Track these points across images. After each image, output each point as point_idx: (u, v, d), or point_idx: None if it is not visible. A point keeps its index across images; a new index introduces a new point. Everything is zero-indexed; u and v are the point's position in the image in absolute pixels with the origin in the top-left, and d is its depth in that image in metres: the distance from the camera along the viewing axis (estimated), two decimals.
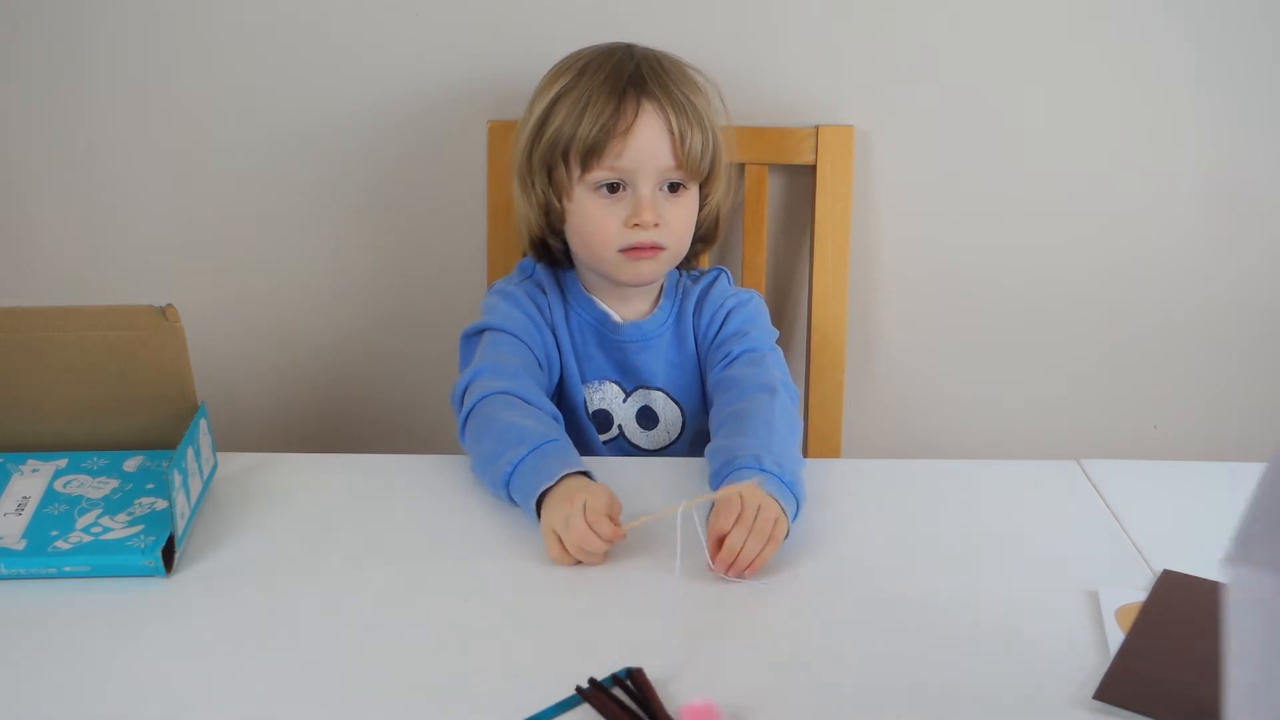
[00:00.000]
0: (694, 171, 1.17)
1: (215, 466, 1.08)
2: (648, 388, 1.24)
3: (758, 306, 1.25)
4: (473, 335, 1.20)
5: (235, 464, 1.10)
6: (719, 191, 1.23)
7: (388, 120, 1.45)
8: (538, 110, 1.18)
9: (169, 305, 1.03)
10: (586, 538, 0.95)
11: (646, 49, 1.19)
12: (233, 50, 1.42)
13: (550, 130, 1.16)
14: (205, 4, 1.40)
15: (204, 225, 1.49)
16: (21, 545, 0.96)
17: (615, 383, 1.25)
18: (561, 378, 1.23)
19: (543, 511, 0.98)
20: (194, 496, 1.01)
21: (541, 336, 1.20)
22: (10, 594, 0.94)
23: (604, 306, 1.23)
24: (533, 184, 1.19)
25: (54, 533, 0.97)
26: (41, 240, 1.50)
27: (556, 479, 0.98)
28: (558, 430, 1.06)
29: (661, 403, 1.25)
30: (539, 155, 1.17)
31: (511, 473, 1.01)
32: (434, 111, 1.44)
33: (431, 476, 1.10)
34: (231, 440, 1.12)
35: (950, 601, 0.94)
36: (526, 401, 1.08)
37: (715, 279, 1.27)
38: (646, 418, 1.25)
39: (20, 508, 1.00)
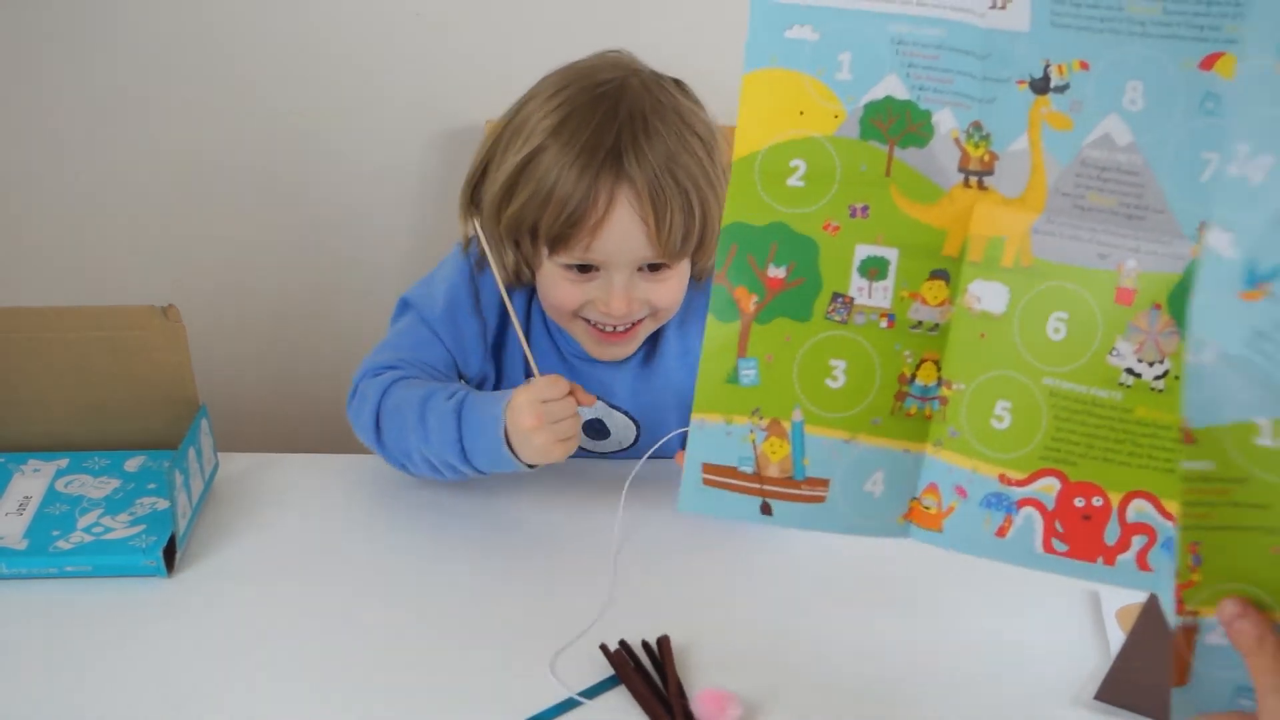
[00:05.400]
0: (675, 255, 1.01)
1: (216, 466, 1.08)
2: (607, 404, 1.13)
3: None
4: (401, 309, 1.12)
5: (236, 464, 1.10)
6: (713, 252, 1.10)
7: (388, 120, 1.45)
8: (506, 168, 1.01)
9: (170, 305, 1.03)
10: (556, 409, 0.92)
11: (641, 87, 1.01)
12: (233, 50, 1.42)
13: (514, 206, 1.00)
14: (206, 4, 1.40)
15: (204, 225, 1.49)
16: (23, 545, 0.96)
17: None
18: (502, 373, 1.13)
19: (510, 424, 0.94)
20: (195, 496, 1.01)
21: (464, 327, 1.09)
22: (11, 594, 0.94)
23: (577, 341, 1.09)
24: (500, 240, 1.05)
25: (55, 532, 0.97)
26: (42, 240, 1.50)
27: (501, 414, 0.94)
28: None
29: (618, 420, 1.14)
30: (505, 224, 1.02)
31: (461, 440, 0.96)
32: (434, 111, 1.44)
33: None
34: (232, 440, 1.12)
35: (952, 601, 0.94)
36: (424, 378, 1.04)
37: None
38: (595, 429, 1.14)
39: (22, 508, 1.01)
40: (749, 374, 0.75)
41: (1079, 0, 0.67)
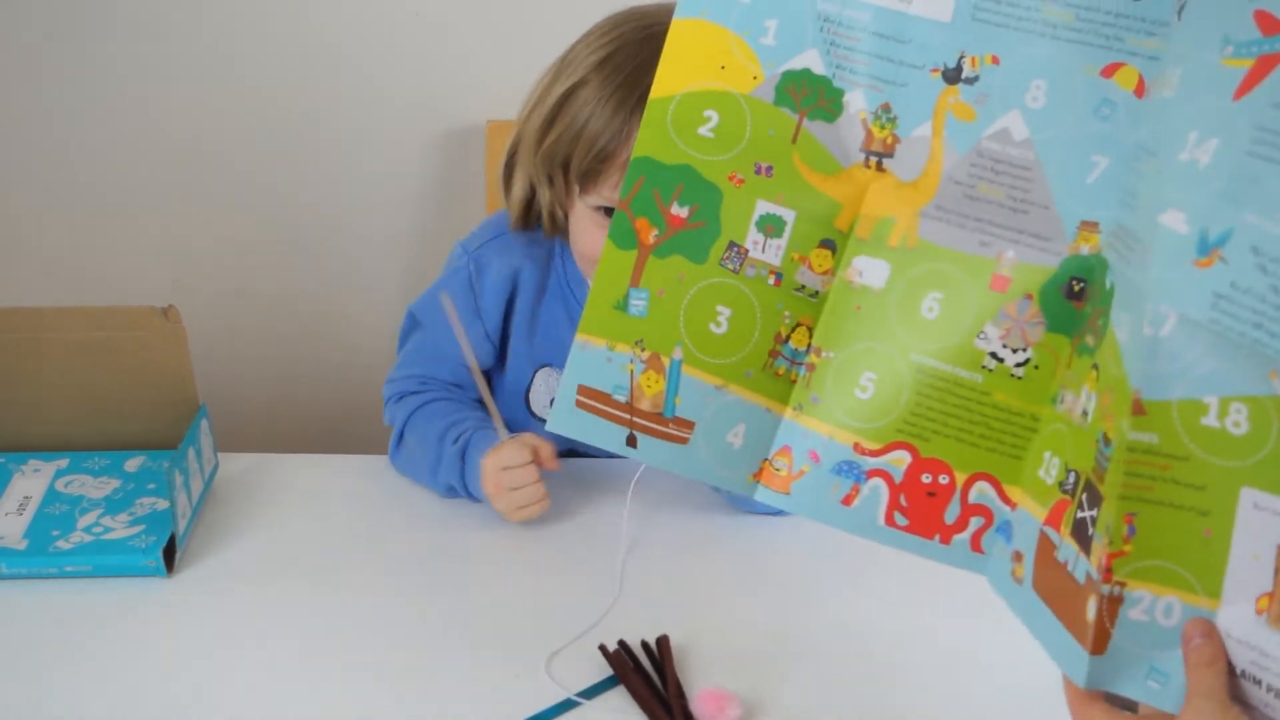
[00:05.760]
0: None
1: (216, 466, 1.08)
2: None
3: None
4: (412, 323, 1.15)
5: (236, 464, 1.10)
6: None
7: (388, 120, 1.45)
8: (549, 102, 1.02)
9: (170, 305, 1.03)
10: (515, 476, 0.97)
11: None
12: (233, 50, 1.42)
13: (550, 139, 1.01)
14: (206, 4, 1.40)
15: (204, 225, 1.50)
16: (23, 545, 0.96)
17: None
18: (503, 379, 1.14)
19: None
20: (195, 496, 1.02)
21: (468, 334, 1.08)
22: (11, 594, 0.94)
23: None
24: (538, 177, 1.05)
25: (55, 532, 0.97)
26: (42, 241, 1.51)
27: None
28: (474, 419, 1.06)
29: None
30: (541, 158, 1.03)
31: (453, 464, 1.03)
32: (434, 111, 1.44)
33: None
34: (232, 440, 1.12)
35: (950, 601, 0.94)
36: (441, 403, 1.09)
37: None
38: None
39: (22, 508, 1.01)
40: (639, 304, 0.77)
41: None
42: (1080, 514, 0.67)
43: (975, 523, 0.74)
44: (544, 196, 1.06)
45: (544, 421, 1.10)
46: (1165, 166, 0.63)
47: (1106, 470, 0.64)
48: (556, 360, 1.11)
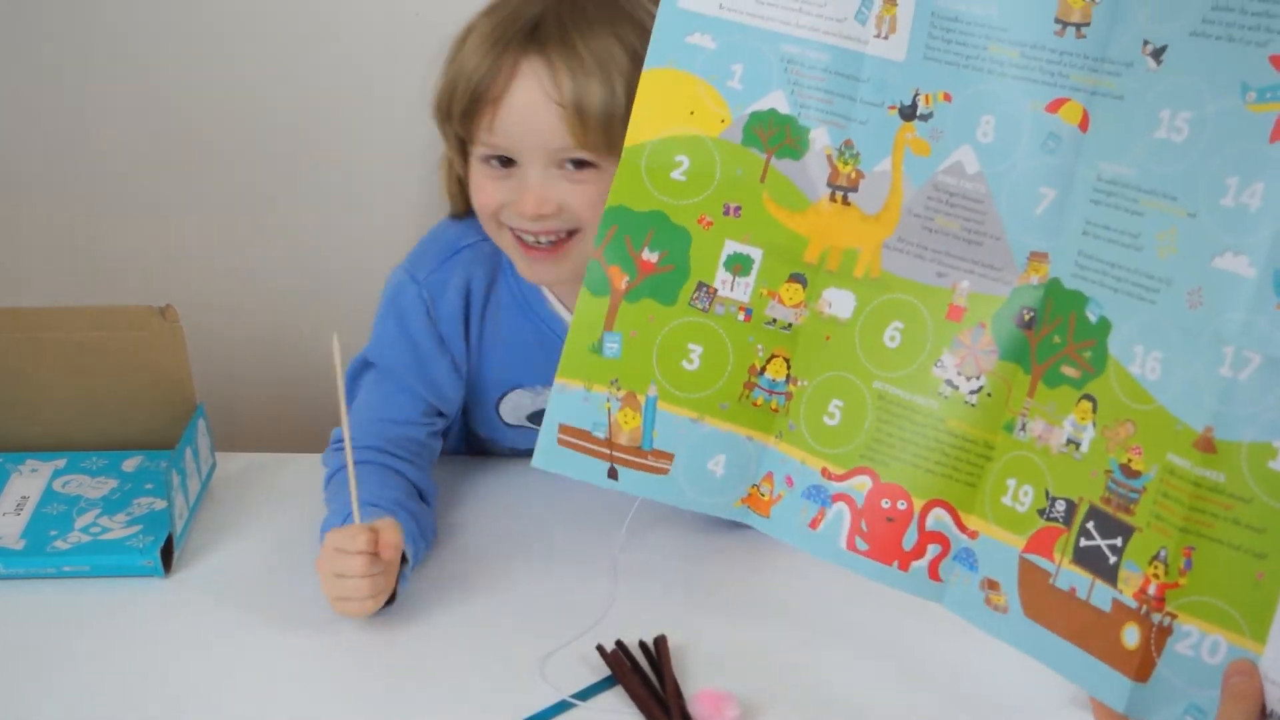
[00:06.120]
0: (595, 147, 0.91)
1: (214, 466, 1.08)
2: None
3: None
4: (360, 369, 1.07)
5: (234, 464, 1.10)
6: None
7: (388, 120, 1.45)
8: (451, 52, 0.97)
9: (168, 305, 1.03)
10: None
11: None
12: (233, 50, 1.42)
13: (442, 92, 0.96)
14: (206, 3, 1.40)
15: (202, 225, 1.49)
16: (20, 545, 0.96)
17: (535, 388, 1.07)
18: (472, 392, 1.08)
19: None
20: (192, 497, 1.01)
21: (434, 370, 1.04)
22: (9, 594, 0.94)
23: (554, 305, 1.04)
24: (448, 143, 1.00)
25: (53, 532, 0.97)
26: (41, 240, 1.50)
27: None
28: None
29: None
30: (438, 117, 0.98)
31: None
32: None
33: (442, 472, 1.10)
34: (230, 440, 1.12)
35: None
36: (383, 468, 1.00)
37: None
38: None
39: (19, 508, 1.01)
40: (612, 347, 0.80)
41: (949, 38, 0.73)
42: (1088, 542, 0.68)
43: (932, 550, 0.76)
44: (458, 166, 1.00)
45: (518, 429, 1.10)
46: (1203, 210, 0.64)
47: (1137, 501, 0.66)
48: (520, 364, 1.05)
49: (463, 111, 0.93)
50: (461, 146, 0.98)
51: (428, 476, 1.03)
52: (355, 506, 0.88)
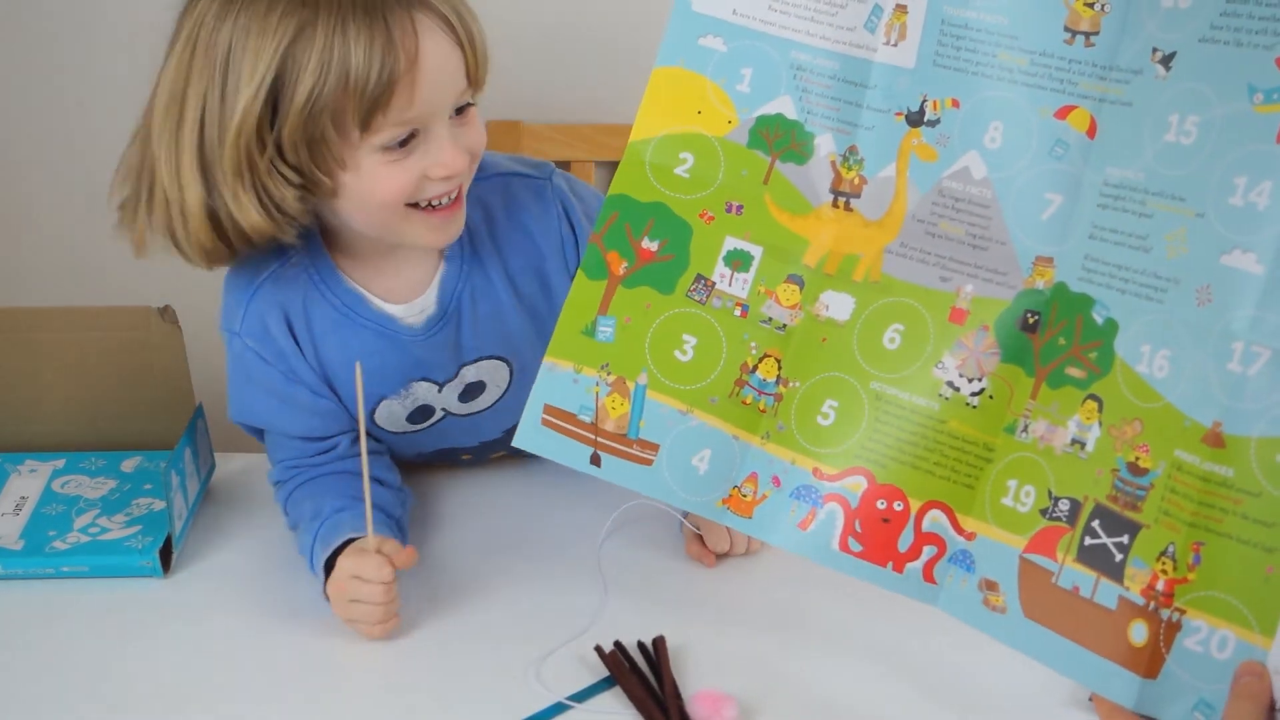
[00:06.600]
0: (482, 79, 0.90)
1: (213, 467, 1.08)
2: (467, 363, 1.01)
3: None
4: (253, 432, 1.03)
5: (233, 464, 1.10)
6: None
7: None
8: (258, 70, 0.83)
9: (167, 306, 1.03)
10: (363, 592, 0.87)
11: None
12: None
13: (293, 116, 0.83)
14: None
15: None
16: (19, 545, 0.96)
17: (425, 380, 1.01)
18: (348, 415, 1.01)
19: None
20: (191, 497, 1.01)
21: (302, 402, 0.99)
22: (8, 594, 0.94)
23: (378, 305, 0.98)
24: (276, 172, 0.86)
25: (52, 533, 0.97)
26: (41, 240, 1.51)
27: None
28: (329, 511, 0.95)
29: (488, 369, 1.02)
30: (289, 131, 0.84)
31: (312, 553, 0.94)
32: None
33: (430, 475, 1.10)
34: (229, 441, 1.12)
35: None
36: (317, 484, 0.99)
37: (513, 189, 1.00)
38: (470, 392, 1.03)
39: (18, 508, 1.01)
40: (606, 331, 0.80)
41: (959, 45, 0.74)
42: (1094, 540, 0.69)
43: (928, 551, 0.76)
44: (279, 193, 0.87)
45: (405, 435, 1.05)
46: (1212, 210, 0.65)
47: (1144, 498, 0.66)
48: (375, 372, 0.97)
49: (372, 103, 0.83)
50: (327, 158, 0.86)
51: (385, 463, 1.02)
52: (369, 526, 0.88)
